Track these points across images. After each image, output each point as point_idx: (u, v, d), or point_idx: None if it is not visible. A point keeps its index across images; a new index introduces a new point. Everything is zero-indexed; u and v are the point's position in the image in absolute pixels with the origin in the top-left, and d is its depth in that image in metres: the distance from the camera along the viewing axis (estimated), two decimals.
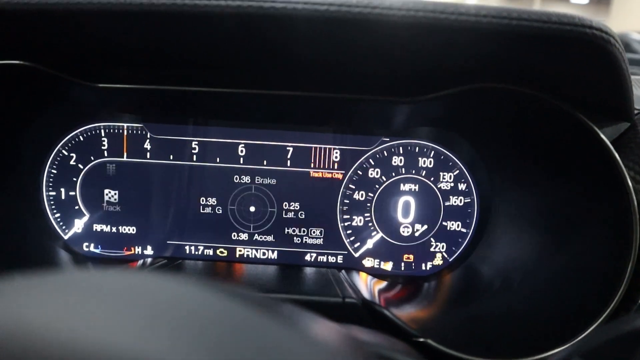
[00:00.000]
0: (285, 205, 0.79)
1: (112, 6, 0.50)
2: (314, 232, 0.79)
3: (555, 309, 0.60)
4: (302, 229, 0.80)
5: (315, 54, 0.57)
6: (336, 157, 0.77)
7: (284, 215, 0.79)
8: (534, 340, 0.56)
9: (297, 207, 0.79)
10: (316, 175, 0.78)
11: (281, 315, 0.28)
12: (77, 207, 0.80)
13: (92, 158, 0.79)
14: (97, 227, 0.80)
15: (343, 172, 0.78)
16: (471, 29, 0.48)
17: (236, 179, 0.79)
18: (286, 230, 0.80)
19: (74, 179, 0.79)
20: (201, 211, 0.80)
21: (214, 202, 0.79)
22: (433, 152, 0.77)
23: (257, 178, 0.78)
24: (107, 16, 0.51)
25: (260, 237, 0.80)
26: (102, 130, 0.78)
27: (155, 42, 0.58)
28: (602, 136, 0.58)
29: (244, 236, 0.80)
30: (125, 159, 0.78)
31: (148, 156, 0.78)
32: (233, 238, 0.80)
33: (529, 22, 0.48)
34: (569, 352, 0.38)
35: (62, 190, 0.79)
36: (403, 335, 0.54)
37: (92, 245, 0.81)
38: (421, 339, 0.53)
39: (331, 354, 0.26)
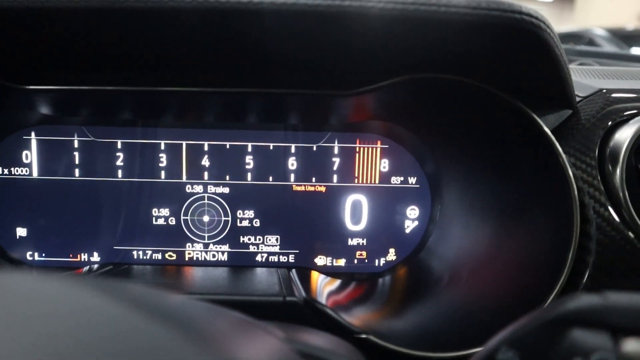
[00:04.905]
0: (240, 214, 0.77)
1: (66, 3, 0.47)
2: (268, 238, 0.78)
3: (501, 300, 0.59)
4: (257, 236, 0.78)
5: (278, 49, 0.56)
6: (283, 156, 0.76)
7: (238, 224, 0.78)
8: (479, 332, 0.55)
9: (251, 214, 0.77)
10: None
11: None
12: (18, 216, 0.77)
13: (32, 166, 0.75)
14: (41, 235, 0.77)
15: (292, 170, 0.76)
16: (397, 17, 0.47)
17: (188, 187, 0.77)
18: (241, 238, 0.78)
19: (15, 185, 0.76)
20: (152, 220, 0.77)
21: (165, 212, 0.77)
22: (382, 146, 0.76)
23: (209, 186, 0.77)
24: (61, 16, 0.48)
25: (215, 247, 0.78)
26: (40, 137, 0.75)
27: (103, 42, 0.56)
28: (541, 123, 0.58)
29: (198, 246, 0.78)
30: (66, 166, 0.75)
31: (92, 163, 0.76)
32: (187, 248, 0.78)
33: (457, 9, 0.48)
34: (498, 341, 0.37)
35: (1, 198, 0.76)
36: (345, 333, 0.53)
37: (36, 253, 0.78)
38: (363, 336, 0.52)
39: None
